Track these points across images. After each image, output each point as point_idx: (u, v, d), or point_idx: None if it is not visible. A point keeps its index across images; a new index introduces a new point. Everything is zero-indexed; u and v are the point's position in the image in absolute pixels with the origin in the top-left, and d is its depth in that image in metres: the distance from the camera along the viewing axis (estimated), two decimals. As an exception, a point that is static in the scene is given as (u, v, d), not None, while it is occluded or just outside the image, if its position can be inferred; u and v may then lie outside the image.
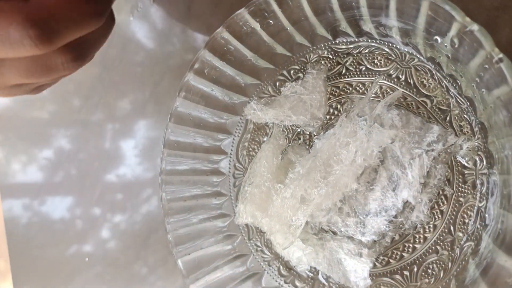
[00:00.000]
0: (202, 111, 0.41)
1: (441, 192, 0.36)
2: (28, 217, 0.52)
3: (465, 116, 0.36)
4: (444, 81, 0.36)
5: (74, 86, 0.50)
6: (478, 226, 0.35)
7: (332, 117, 0.40)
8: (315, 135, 0.40)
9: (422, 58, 0.37)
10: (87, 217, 0.49)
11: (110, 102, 0.49)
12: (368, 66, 0.39)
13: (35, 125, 0.51)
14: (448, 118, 0.36)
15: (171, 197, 0.40)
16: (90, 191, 0.49)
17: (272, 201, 0.38)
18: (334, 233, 0.39)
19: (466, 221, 0.36)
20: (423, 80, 0.37)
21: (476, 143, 0.35)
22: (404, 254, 0.38)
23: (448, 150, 0.36)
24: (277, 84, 0.42)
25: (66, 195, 0.50)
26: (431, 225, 0.37)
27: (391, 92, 0.38)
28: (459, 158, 0.36)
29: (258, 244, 0.42)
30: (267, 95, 0.42)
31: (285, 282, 0.41)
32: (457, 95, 0.36)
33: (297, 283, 0.40)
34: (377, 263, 0.38)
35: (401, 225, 0.37)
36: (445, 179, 0.36)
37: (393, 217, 0.37)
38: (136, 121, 0.48)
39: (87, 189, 0.50)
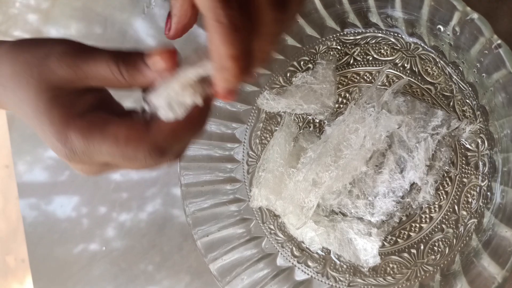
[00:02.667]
0: (217, 101, 0.43)
1: (445, 174, 0.39)
2: (34, 216, 0.52)
3: (467, 101, 0.38)
4: (447, 68, 0.38)
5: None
6: (481, 204, 0.37)
7: (341, 105, 0.42)
8: (325, 123, 0.42)
9: (426, 47, 0.39)
10: (93, 216, 0.49)
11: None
12: (375, 56, 0.41)
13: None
14: (451, 104, 0.39)
15: (189, 182, 0.42)
16: (96, 190, 0.50)
17: (285, 184, 0.40)
18: (344, 214, 0.41)
19: (470, 200, 0.38)
20: (427, 68, 0.39)
21: (478, 126, 0.37)
22: (411, 233, 0.40)
23: (452, 134, 0.38)
24: (288, 74, 0.44)
25: (72, 194, 0.50)
26: (437, 205, 0.39)
27: (397, 80, 0.40)
28: (463, 141, 0.38)
29: (272, 227, 0.44)
30: (278, 86, 0.44)
31: (298, 262, 0.42)
32: (460, 81, 0.38)
33: (310, 263, 0.42)
34: (385, 243, 0.40)
35: (408, 206, 0.39)
36: (449, 161, 0.38)
37: (400, 198, 0.39)
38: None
39: (93, 188, 0.50)
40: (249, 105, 0.45)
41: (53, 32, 0.51)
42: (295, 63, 0.44)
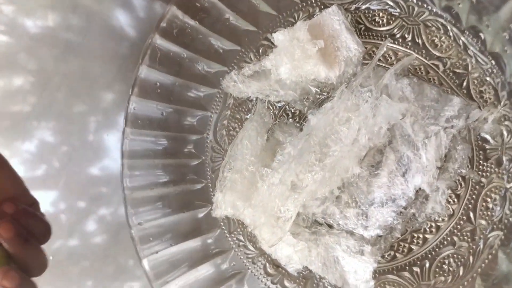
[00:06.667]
0: (172, 82, 0.37)
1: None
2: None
3: (488, 78, 0.32)
4: (462, 38, 0.32)
5: (57, 78, 0.50)
6: (507, 212, 0.31)
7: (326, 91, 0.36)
8: (307, 111, 0.36)
9: (434, 9, 0.33)
10: (71, 211, 0.50)
11: (93, 94, 0.49)
12: (368, 25, 0.36)
13: (17, 118, 0.51)
14: (464, 84, 0.33)
15: (135, 185, 0.36)
16: (74, 185, 0.50)
17: (257, 188, 0.35)
18: (330, 226, 0.35)
19: (490, 206, 0.32)
20: (434, 38, 0.33)
21: (502, 111, 0.30)
22: (412, 246, 0.34)
23: (471, 126, 0.32)
24: (261, 50, 0.38)
25: (50, 189, 0.51)
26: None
27: (393, 55, 0.34)
28: (483, 134, 0.32)
29: (241, 238, 0.38)
30: (249, 63, 0.38)
31: (272, 283, 0.37)
32: (478, 53, 0.32)
33: (286, 283, 0.36)
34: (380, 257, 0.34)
35: (412, 218, 0.33)
36: (467, 162, 0.32)
37: (403, 208, 0.33)
38: (119, 113, 0.48)
39: (71, 183, 0.50)
40: (214, 88, 0.38)
41: (30, 23, 0.52)
42: (269, 35, 0.37)
